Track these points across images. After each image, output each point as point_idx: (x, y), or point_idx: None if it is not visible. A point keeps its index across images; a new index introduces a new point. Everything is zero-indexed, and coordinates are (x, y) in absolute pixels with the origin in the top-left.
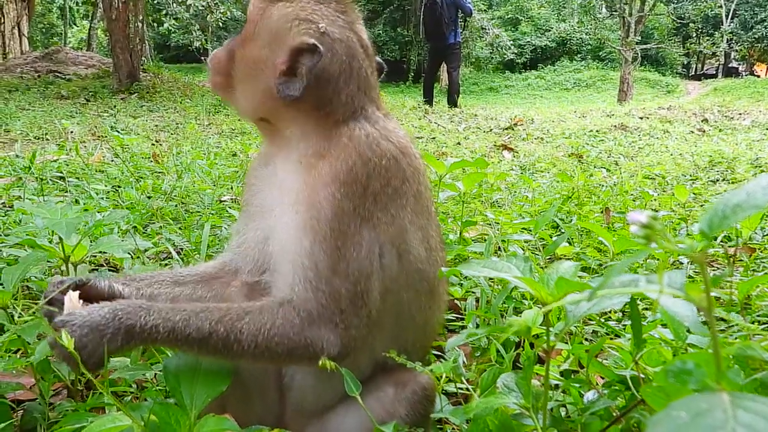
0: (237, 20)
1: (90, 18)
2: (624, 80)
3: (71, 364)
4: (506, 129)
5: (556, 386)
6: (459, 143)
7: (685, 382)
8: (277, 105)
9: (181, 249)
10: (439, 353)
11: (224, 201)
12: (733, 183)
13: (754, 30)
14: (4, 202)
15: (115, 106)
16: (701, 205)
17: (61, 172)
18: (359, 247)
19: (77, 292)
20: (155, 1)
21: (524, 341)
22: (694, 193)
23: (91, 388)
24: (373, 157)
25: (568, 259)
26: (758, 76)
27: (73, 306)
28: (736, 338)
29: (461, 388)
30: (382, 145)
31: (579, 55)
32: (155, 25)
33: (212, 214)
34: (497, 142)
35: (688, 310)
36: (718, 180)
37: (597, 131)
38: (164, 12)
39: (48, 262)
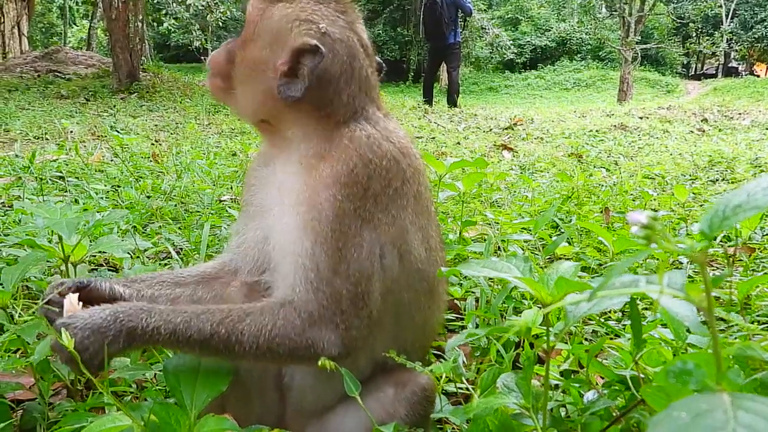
0: (237, 20)
1: (90, 18)
2: (624, 80)
3: (74, 367)
4: (506, 129)
5: (556, 386)
6: (459, 143)
7: (685, 383)
8: (278, 106)
9: (181, 249)
10: (439, 353)
11: (224, 201)
12: (732, 183)
13: (753, 30)
14: (3, 202)
15: (114, 106)
16: (701, 205)
17: (61, 172)
18: (360, 248)
19: (76, 295)
20: (155, 1)
21: (524, 341)
22: (693, 193)
23: (91, 388)
24: (373, 159)
25: (568, 259)
26: (758, 76)
27: (72, 308)
28: (736, 338)
29: (461, 388)
30: (382, 146)
31: (579, 55)
32: (155, 24)
33: (212, 213)
34: (497, 141)
35: (688, 310)
36: (717, 180)
37: (597, 131)
38: (164, 12)
39: (48, 262)
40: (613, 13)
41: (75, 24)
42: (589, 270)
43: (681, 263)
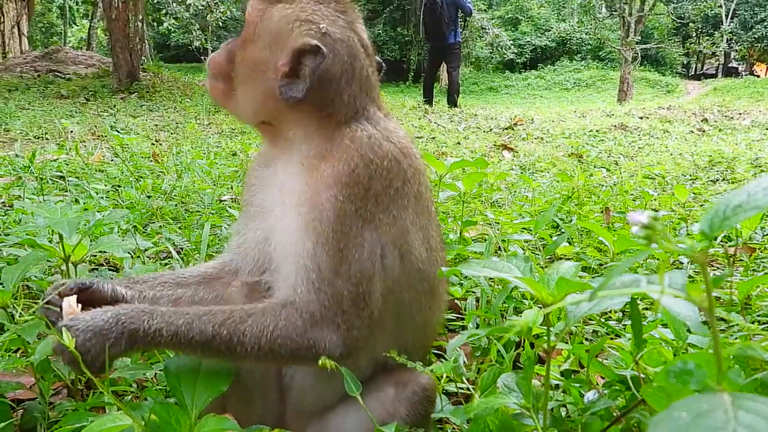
0: (237, 20)
1: (90, 17)
2: (624, 80)
3: (76, 369)
4: (506, 129)
5: (557, 386)
6: (459, 143)
7: (685, 383)
8: (279, 107)
9: (181, 248)
10: (440, 353)
11: (224, 200)
12: (732, 183)
13: (753, 30)
14: (4, 202)
15: (114, 106)
16: (701, 205)
17: (61, 172)
18: (361, 249)
19: (75, 297)
20: (155, 1)
21: (524, 341)
22: (693, 193)
23: (92, 388)
24: (374, 159)
25: (568, 259)
26: (758, 76)
27: (71, 311)
28: (736, 338)
29: (462, 388)
30: (383, 147)
31: (579, 55)
32: (155, 24)
33: (212, 213)
34: (497, 141)
35: (689, 310)
36: (717, 180)
37: (597, 131)
38: (164, 11)
39: (48, 261)
40: (613, 13)
41: (75, 24)
42: (590, 270)
43: (681, 263)
